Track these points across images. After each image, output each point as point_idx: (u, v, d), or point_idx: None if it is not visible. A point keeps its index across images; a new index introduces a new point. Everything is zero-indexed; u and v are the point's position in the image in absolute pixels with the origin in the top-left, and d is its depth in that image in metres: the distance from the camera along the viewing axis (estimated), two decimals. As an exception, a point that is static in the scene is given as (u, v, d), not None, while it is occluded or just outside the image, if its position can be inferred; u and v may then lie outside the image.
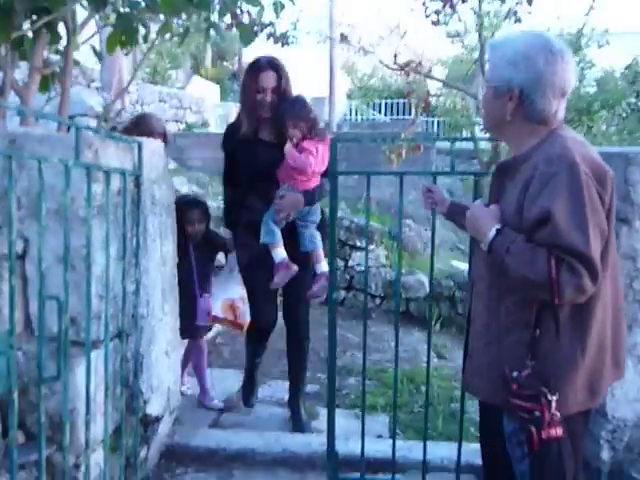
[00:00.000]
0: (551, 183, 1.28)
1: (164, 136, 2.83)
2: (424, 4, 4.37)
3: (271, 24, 3.04)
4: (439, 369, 3.73)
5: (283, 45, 3.75)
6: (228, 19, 3.12)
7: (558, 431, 1.29)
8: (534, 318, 1.35)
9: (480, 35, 7.09)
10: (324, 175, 2.45)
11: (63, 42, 2.52)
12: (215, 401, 2.87)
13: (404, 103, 15.20)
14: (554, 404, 1.29)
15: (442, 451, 2.29)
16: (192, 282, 2.73)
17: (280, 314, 2.76)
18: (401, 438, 2.66)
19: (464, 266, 6.71)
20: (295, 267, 2.45)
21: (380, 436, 2.60)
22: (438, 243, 6.37)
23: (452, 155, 1.89)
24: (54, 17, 2.06)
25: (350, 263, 5.12)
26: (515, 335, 1.38)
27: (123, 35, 2.68)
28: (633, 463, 2.03)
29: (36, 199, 1.69)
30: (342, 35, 6.07)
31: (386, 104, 15.00)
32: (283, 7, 2.88)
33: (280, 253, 2.46)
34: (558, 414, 1.30)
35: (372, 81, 13.81)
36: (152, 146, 2.13)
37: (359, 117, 14.70)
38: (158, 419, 2.22)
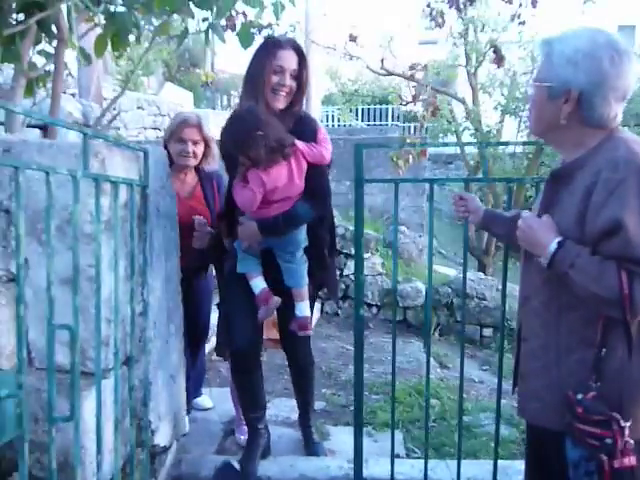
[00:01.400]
0: (618, 190, 1.18)
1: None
2: (429, 5, 4.26)
3: (269, 26, 2.90)
4: (445, 380, 3.63)
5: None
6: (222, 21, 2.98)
7: (632, 460, 1.19)
8: (599, 336, 1.25)
9: (465, 40, 7.13)
10: (314, 197, 2.05)
11: (51, 43, 2.34)
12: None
13: (380, 109, 15.23)
14: (627, 431, 1.19)
15: (468, 470, 2.17)
16: None
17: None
18: (419, 456, 2.55)
19: (449, 272, 6.61)
20: (276, 299, 2.11)
21: (397, 455, 2.46)
22: (421, 249, 6.31)
23: (484, 160, 1.76)
24: (47, 15, 1.88)
25: (346, 272, 4.99)
26: (577, 355, 1.28)
27: (114, 37, 2.52)
28: None
29: (35, 215, 1.53)
30: (351, 36, 5.95)
31: (363, 110, 14.95)
32: (284, 8, 2.75)
33: (257, 284, 2.12)
34: (632, 441, 1.20)
35: (355, 86, 13.80)
36: (156, 154, 1.97)
37: (335, 124, 14.62)
38: (166, 449, 2.05)
